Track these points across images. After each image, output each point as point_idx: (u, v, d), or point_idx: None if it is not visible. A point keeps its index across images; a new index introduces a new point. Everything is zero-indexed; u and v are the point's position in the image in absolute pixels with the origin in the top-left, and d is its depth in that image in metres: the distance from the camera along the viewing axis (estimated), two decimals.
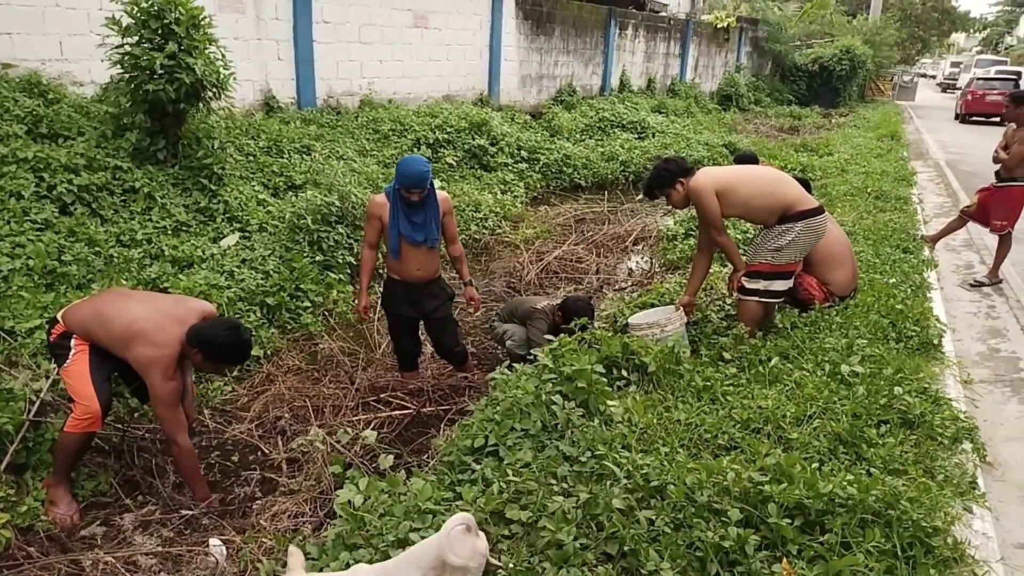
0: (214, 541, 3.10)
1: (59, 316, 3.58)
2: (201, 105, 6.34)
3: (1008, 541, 3.06)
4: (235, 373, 4.93)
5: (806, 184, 5.20)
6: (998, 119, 21.09)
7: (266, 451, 4.12)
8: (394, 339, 4.94)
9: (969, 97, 24.41)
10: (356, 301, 4.77)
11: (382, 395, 4.82)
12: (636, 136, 14.19)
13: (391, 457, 3.30)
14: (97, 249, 5.16)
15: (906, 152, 14.64)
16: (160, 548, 3.23)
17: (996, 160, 6.72)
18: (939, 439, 3.43)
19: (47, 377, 3.85)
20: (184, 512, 3.53)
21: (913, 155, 14.91)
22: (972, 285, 6.70)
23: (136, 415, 4.21)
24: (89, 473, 3.75)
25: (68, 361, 3.46)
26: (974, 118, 24.17)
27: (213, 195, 6.49)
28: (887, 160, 12.59)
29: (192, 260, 5.59)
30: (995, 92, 22.57)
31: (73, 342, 3.49)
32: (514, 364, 3.91)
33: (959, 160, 14.78)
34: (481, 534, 2.35)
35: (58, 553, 3.20)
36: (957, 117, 25.58)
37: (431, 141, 10.18)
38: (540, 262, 7.59)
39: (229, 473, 4.00)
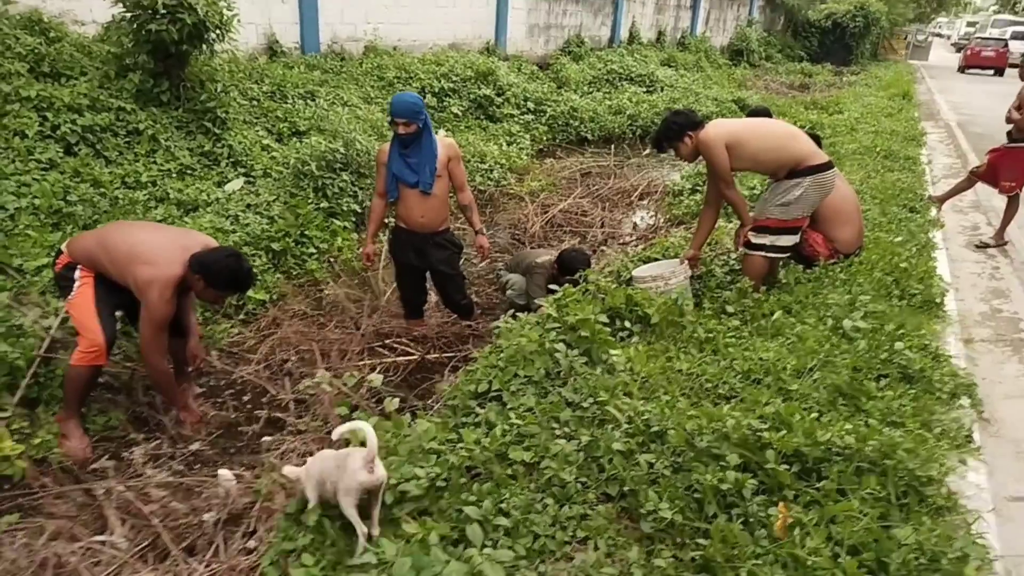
0: (223, 472, 3.16)
1: (63, 247, 3.60)
2: (204, 47, 6.27)
3: (1000, 494, 3.12)
4: (241, 316, 4.98)
5: (816, 139, 5.16)
6: (991, 71, 28.04)
7: (273, 392, 4.18)
8: (400, 287, 4.97)
9: (968, 52, 29.35)
10: (362, 248, 4.76)
11: (387, 341, 4.86)
12: (644, 90, 14.02)
13: (396, 400, 3.35)
14: (102, 190, 5.16)
15: (917, 112, 14.46)
16: (171, 479, 3.30)
17: (1009, 120, 6.65)
18: (938, 394, 3.47)
19: (56, 314, 3.89)
20: (192, 447, 3.60)
21: (924, 115, 14.73)
22: (977, 246, 6.69)
23: None
24: (100, 409, 3.81)
25: (73, 293, 3.49)
26: (971, 70, 28.96)
27: (217, 139, 6.45)
28: (897, 120, 12.44)
29: (197, 204, 5.59)
30: (989, 49, 28.68)
31: (77, 273, 3.51)
32: (517, 313, 3.94)
33: (970, 121, 14.60)
34: (379, 467, 2.40)
35: (71, 484, 3.28)
36: (959, 69, 29.77)
37: (436, 90, 10.06)
38: (545, 215, 7.58)
39: (237, 413, 4.07)
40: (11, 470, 3.13)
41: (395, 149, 4.36)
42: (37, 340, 3.69)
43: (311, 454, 3.48)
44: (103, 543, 2.88)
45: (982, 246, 6.68)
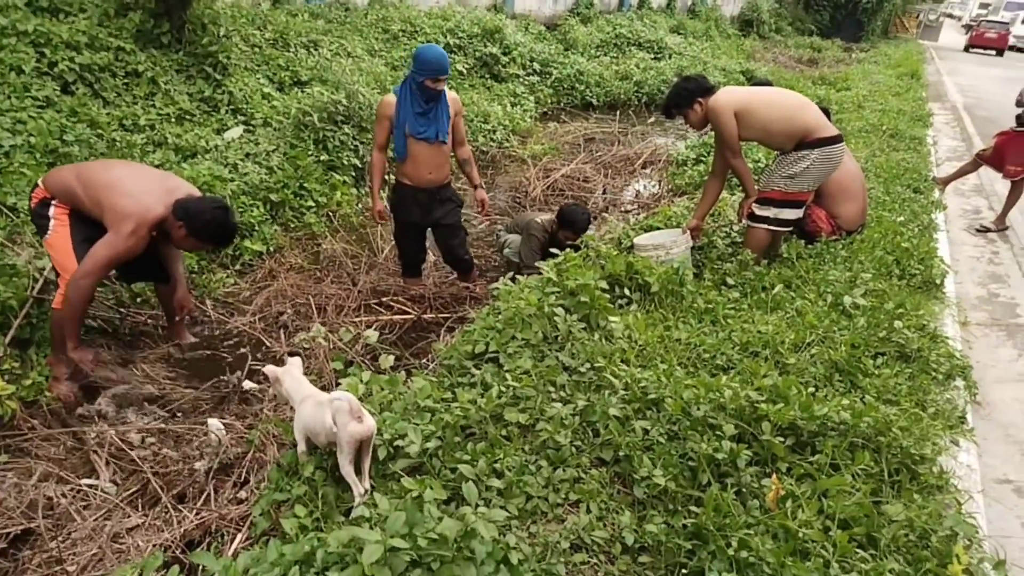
0: (213, 421, 3.16)
1: (39, 180, 3.44)
2: None
3: (989, 475, 3.15)
4: (237, 267, 4.93)
5: (827, 113, 5.09)
6: (993, 51, 29.67)
7: (268, 343, 4.15)
8: (400, 245, 4.91)
9: (974, 33, 31.27)
10: (370, 206, 4.60)
11: (384, 299, 4.83)
12: (652, 56, 13.83)
13: (391, 357, 3.34)
14: (99, 131, 5.06)
15: (924, 93, 14.31)
16: (162, 426, 3.28)
17: (1019, 103, 6.57)
18: (933, 374, 3.48)
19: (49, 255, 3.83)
20: (184, 392, 3.59)
21: (931, 96, 14.59)
22: (978, 230, 6.67)
23: (138, 300, 4.22)
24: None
25: (49, 232, 3.37)
26: (975, 49, 30.56)
27: (218, 85, 6.33)
28: (905, 99, 12.32)
29: (195, 150, 5.50)
30: (992, 31, 30.42)
31: (52, 210, 3.37)
32: (516, 276, 3.91)
33: (976, 105, 14.47)
34: (368, 418, 2.38)
35: (60, 427, 3.26)
36: (965, 48, 31.29)
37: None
38: (547, 179, 7.50)
39: (229, 364, 4.05)
40: (1, 410, 3.11)
41: (409, 104, 4.24)
42: (30, 280, 3.64)
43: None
44: (92, 487, 2.88)
45: (983, 230, 6.66)
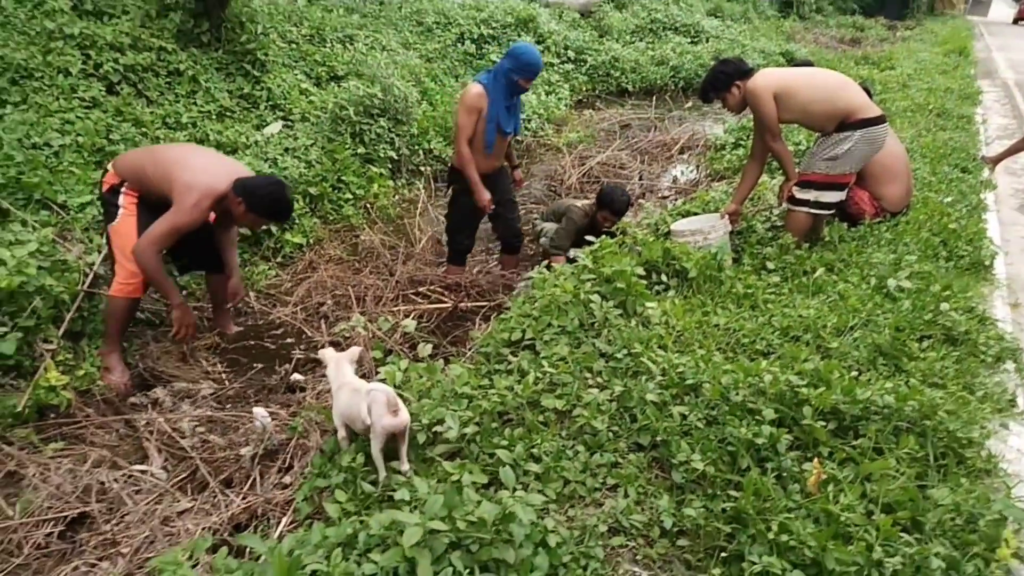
0: (258, 410, 3.23)
1: (110, 165, 3.63)
2: None
3: None
4: (279, 259, 5.02)
5: (867, 92, 4.96)
6: None
7: (309, 334, 4.23)
8: (459, 232, 4.94)
9: (1021, 6, 31.20)
10: (476, 197, 4.64)
11: (421, 289, 4.88)
12: (689, 40, 13.63)
13: (429, 346, 3.37)
14: (144, 130, 5.20)
15: (973, 70, 13.84)
16: (208, 413, 3.38)
17: None
18: (982, 357, 3.38)
19: (99, 251, 3.95)
20: (232, 384, 3.68)
21: (980, 73, 14.10)
22: None
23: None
24: (139, 347, 3.89)
25: (117, 219, 3.54)
26: (1021, 22, 30.58)
27: (256, 82, 6.44)
28: (952, 77, 11.93)
29: (236, 146, 5.61)
30: None
31: (122, 198, 3.55)
32: (552, 264, 3.91)
33: None
34: (403, 412, 2.42)
35: (113, 415, 3.38)
36: (1014, 21, 31.24)
37: (475, 36, 9.90)
38: (582, 167, 7.47)
39: (273, 354, 4.13)
40: (57, 400, 3.23)
41: (500, 99, 4.41)
42: (80, 275, 3.77)
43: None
44: (144, 472, 2.98)
45: None
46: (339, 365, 2.77)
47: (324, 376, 3.69)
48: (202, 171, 3.45)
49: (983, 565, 2.09)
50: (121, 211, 3.54)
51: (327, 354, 2.85)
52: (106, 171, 3.64)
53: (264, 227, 4.50)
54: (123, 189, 3.55)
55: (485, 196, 4.64)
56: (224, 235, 3.88)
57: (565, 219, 5.04)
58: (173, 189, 3.40)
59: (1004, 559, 2.09)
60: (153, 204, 3.51)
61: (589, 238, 3.97)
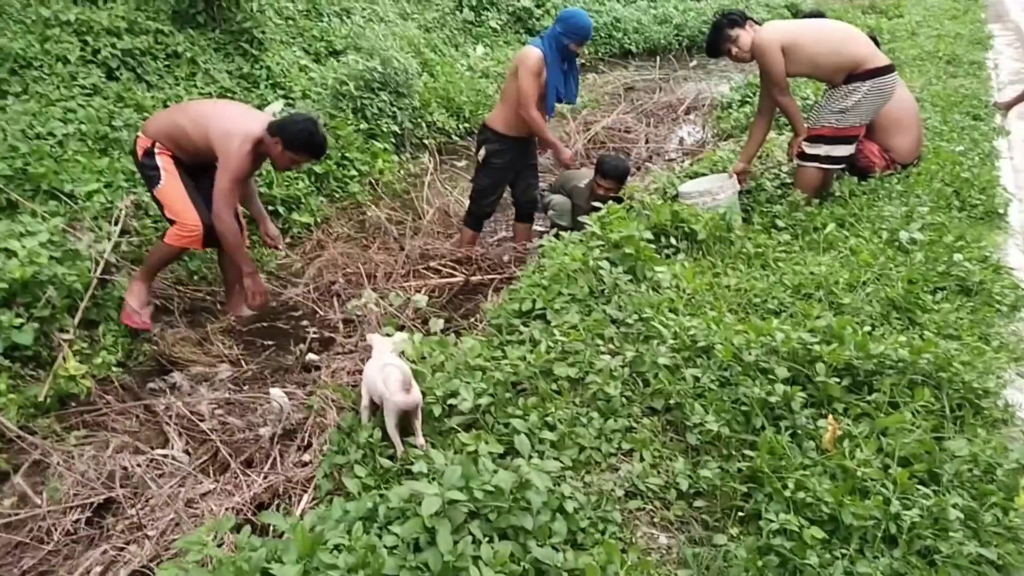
0: (275, 391, 3.27)
1: (140, 132, 3.77)
2: None
3: None
4: (288, 240, 5.03)
5: (875, 41, 4.86)
6: None
7: (322, 313, 4.25)
8: (485, 195, 4.89)
9: None
10: (557, 152, 4.78)
11: (431, 263, 4.87)
12: None
13: (441, 321, 3.37)
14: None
15: (983, 14, 13.52)
16: (226, 396, 3.42)
17: None
18: (997, 307, 3.35)
19: (109, 238, 3.97)
20: (248, 366, 3.72)
21: (991, 17, 13.76)
22: None
23: (195, 277, 4.36)
24: (155, 334, 3.92)
25: (161, 182, 3.67)
26: None
27: (255, 60, 6.39)
28: (962, 22, 11.67)
29: None
30: None
31: (160, 160, 3.67)
32: (560, 233, 3.89)
33: None
34: (415, 391, 2.44)
35: (133, 400, 3.42)
36: None
37: (473, 3, 9.75)
38: (587, 132, 7.39)
39: (287, 334, 4.16)
40: (77, 388, 3.28)
41: (556, 64, 4.41)
42: (92, 263, 3.80)
43: (361, 372, 3.56)
44: (166, 456, 3.03)
45: None
46: (379, 350, 2.73)
47: (338, 354, 3.74)
48: (237, 118, 3.67)
49: (1001, 514, 2.09)
50: (163, 173, 3.67)
51: (375, 339, 2.80)
52: (136, 138, 3.76)
53: (302, 165, 4.53)
54: (157, 150, 3.68)
55: (566, 152, 4.79)
56: (246, 187, 4.01)
57: (574, 205, 5.01)
58: (212, 140, 3.59)
59: (1022, 507, 2.09)
60: (188, 162, 3.71)
61: (596, 204, 3.94)
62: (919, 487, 2.15)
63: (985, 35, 10.89)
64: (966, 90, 7.29)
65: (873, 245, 3.76)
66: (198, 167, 3.72)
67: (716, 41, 4.31)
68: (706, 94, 8.69)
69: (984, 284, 3.42)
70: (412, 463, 2.28)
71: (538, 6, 10.41)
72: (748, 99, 7.61)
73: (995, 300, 3.37)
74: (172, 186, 3.67)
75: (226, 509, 2.65)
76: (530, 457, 2.20)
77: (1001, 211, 4.49)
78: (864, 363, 2.63)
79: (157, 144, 3.67)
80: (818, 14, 6.19)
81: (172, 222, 3.70)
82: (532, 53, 4.41)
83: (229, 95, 5.96)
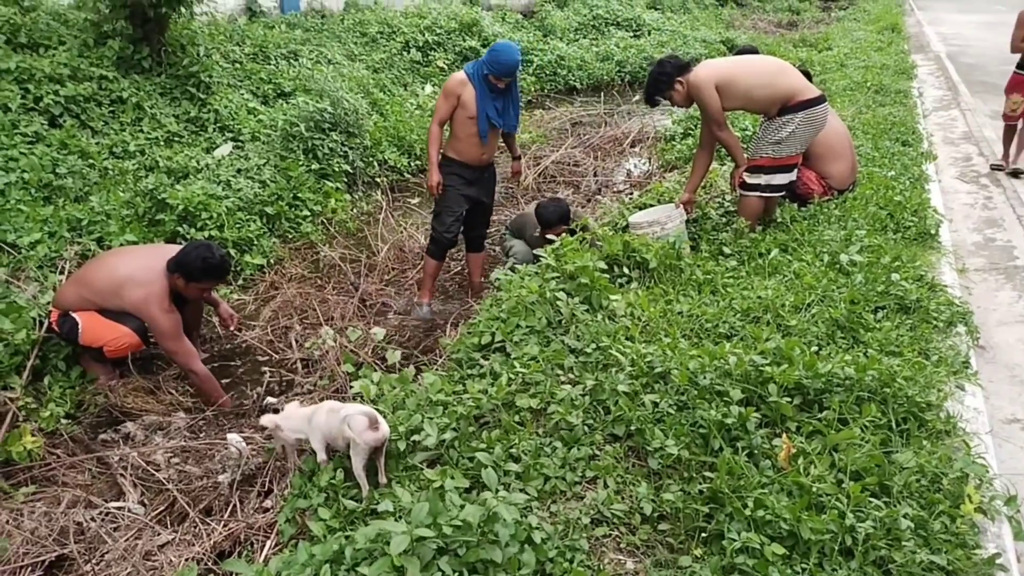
0: (232, 436, 3.21)
1: (51, 306, 3.71)
2: (183, 9, 6.13)
3: (997, 416, 3.20)
4: (240, 282, 4.98)
5: (806, 75, 5.10)
6: None
7: (277, 355, 4.20)
8: (442, 215, 4.83)
9: None
10: (428, 178, 4.74)
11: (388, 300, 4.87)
12: (631, 34, 13.80)
13: (398, 353, 3.38)
14: (91, 161, 5.12)
15: (906, 45, 14.26)
16: (182, 444, 3.34)
17: (1015, 49, 6.55)
18: (934, 323, 3.51)
19: (54, 289, 3.88)
20: (204, 413, 3.65)
21: (914, 48, 14.53)
22: (1011, 174, 6.60)
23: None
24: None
25: (80, 328, 3.58)
26: None
27: (203, 104, 6.36)
28: (887, 53, 12.27)
29: (187, 171, 5.54)
30: None
31: (72, 315, 3.60)
32: (515, 265, 3.95)
33: (960, 52, 14.40)
34: (383, 426, 2.47)
35: (84, 453, 3.32)
36: None
37: (420, 44, 9.91)
38: (537, 167, 7.52)
39: (243, 377, 4.10)
40: (25, 457, 3.16)
41: (484, 91, 4.50)
42: (38, 315, 3.70)
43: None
44: (121, 509, 2.94)
45: (1014, 174, 6.59)
46: (292, 416, 2.74)
47: (297, 396, 3.71)
48: (142, 280, 3.57)
49: (949, 521, 2.19)
50: (78, 319, 3.59)
51: (269, 419, 2.79)
52: (49, 312, 3.69)
53: (210, 289, 4.48)
54: (72, 313, 3.61)
55: (435, 177, 4.68)
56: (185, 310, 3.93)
57: (524, 244, 5.07)
58: (132, 309, 3.57)
59: (968, 514, 2.19)
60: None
61: (550, 236, 4.01)
62: (871, 499, 2.24)
63: (909, 65, 11.47)
64: (894, 117, 7.65)
65: (816, 268, 3.91)
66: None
67: (655, 92, 4.48)
68: (650, 127, 8.95)
69: (921, 302, 3.59)
70: (377, 503, 2.28)
71: (484, 45, 10.61)
72: (690, 131, 7.86)
73: (932, 317, 3.53)
74: (90, 321, 3.58)
75: (186, 560, 2.59)
76: (497, 490, 2.21)
77: (933, 232, 4.72)
78: (813, 382, 2.73)
79: (72, 311, 3.62)
80: (751, 50, 6.45)
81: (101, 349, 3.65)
82: (453, 75, 4.60)
83: (177, 139, 5.92)
